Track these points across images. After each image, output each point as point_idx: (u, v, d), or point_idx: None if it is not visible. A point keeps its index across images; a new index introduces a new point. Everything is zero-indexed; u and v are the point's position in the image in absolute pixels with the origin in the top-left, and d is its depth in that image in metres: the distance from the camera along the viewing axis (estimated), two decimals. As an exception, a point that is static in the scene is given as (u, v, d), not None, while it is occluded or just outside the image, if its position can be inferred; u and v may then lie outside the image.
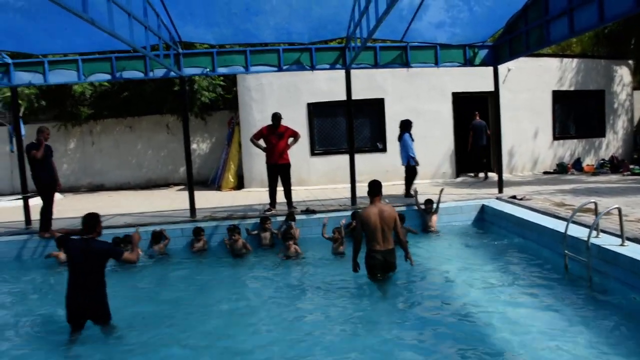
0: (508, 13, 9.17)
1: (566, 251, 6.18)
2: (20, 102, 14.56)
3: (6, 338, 5.43)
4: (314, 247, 8.43)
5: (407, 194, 10.79)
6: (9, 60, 9.59)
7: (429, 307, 5.64)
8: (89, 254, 5.04)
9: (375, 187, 6.39)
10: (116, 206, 12.30)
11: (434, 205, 9.21)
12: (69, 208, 12.46)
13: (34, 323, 5.85)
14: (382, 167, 14.04)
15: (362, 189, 11.65)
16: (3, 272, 8.06)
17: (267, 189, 10.07)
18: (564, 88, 15.67)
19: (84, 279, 5.04)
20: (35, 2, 7.54)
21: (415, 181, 11.08)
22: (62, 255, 8.24)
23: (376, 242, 6.15)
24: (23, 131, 10.56)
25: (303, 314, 5.72)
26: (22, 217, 10.04)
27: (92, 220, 5.23)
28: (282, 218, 9.17)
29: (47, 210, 8.94)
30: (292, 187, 10.04)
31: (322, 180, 14.25)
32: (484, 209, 9.67)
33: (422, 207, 9.25)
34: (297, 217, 9.16)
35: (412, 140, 10.91)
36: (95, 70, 9.76)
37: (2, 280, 7.72)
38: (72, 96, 16.44)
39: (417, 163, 10.95)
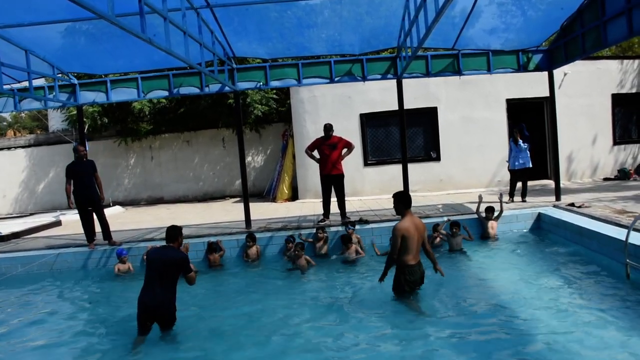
0: (563, 16, 8.94)
1: (627, 260, 5.96)
2: (84, 119, 15.24)
3: (75, 340, 5.72)
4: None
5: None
6: (75, 81, 10.14)
7: (485, 316, 5.52)
8: (165, 261, 5.40)
9: (410, 199, 6.05)
10: (175, 218, 12.66)
11: (496, 213, 9.06)
12: (129, 220, 12.95)
13: (98, 327, 6.15)
14: (435, 176, 13.92)
15: (417, 199, 11.64)
16: (70, 281, 8.45)
17: (321, 199, 10.16)
18: (625, 91, 15.06)
19: (157, 283, 5.33)
20: (99, 25, 7.98)
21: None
22: (121, 267, 8.56)
23: (412, 256, 5.83)
24: (87, 147, 11.05)
25: (351, 326, 5.60)
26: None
27: (173, 232, 5.67)
28: (336, 228, 9.23)
29: (85, 222, 9.33)
30: (345, 198, 10.06)
31: (375, 191, 14.20)
32: (540, 217, 9.41)
33: (483, 214, 9.10)
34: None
35: (516, 146, 10.92)
36: (154, 87, 10.16)
37: (68, 288, 8.08)
38: (132, 113, 17.08)
39: (509, 169, 11.17)
